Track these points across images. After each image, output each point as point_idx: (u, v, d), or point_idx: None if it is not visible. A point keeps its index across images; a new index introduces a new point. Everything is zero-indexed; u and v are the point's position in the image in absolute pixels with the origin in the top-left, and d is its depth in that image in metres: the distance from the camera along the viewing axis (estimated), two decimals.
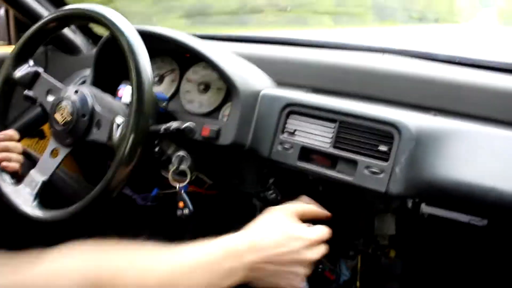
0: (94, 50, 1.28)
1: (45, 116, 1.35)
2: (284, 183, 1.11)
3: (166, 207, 1.10)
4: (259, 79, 1.02)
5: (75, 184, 1.12)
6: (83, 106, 0.86)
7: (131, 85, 0.80)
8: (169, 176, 1.01)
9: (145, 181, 1.15)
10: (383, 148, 0.82)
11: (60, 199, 0.90)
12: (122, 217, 1.42)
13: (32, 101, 0.96)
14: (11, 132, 0.93)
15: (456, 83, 0.96)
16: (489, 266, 1.21)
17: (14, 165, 0.90)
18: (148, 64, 0.81)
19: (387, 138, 0.82)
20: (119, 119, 0.83)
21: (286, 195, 1.11)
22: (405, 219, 1.17)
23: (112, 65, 1.14)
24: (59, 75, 1.39)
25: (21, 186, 0.87)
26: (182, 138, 0.84)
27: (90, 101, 0.87)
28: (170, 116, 1.04)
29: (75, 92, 0.88)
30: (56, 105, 0.88)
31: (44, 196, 0.86)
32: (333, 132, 0.87)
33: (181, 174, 1.00)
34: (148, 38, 0.87)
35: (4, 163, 0.89)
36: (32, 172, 0.88)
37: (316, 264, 0.90)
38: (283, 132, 0.93)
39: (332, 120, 0.88)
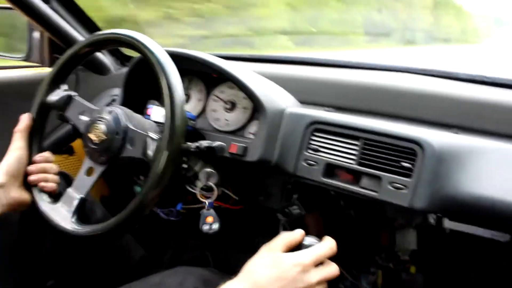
0: (123, 70, 1.33)
1: (76, 134, 1.41)
2: (307, 198, 1.13)
3: (190, 222, 1.12)
4: (284, 98, 1.06)
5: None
6: (116, 124, 0.89)
7: (164, 104, 0.83)
8: (197, 191, 1.04)
9: (169, 196, 1.18)
10: (406, 164, 0.84)
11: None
12: (146, 232, 1.45)
13: (66, 120, 1.00)
14: (47, 154, 0.97)
15: (477, 101, 0.98)
16: (511, 282, 1.21)
17: (52, 185, 0.94)
18: (180, 84, 0.85)
19: (410, 155, 0.84)
20: (153, 135, 0.86)
21: (309, 210, 1.14)
22: (426, 235, 1.18)
23: (140, 86, 1.18)
24: (89, 94, 1.45)
25: (59, 204, 0.91)
26: (211, 155, 0.87)
27: (123, 119, 0.90)
28: (198, 134, 1.08)
29: (109, 112, 0.91)
30: (90, 125, 0.91)
31: (81, 213, 0.90)
32: (358, 149, 0.90)
33: (207, 190, 1.03)
34: (177, 59, 0.90)
35: (42, 183, 0.93)
36: (69, 190, 0.92)
37: (337, 282, 0.90)
38: (308, 149, 0.96)
39: (356, 138, 0.91)
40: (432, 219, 1.00)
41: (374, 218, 1.25)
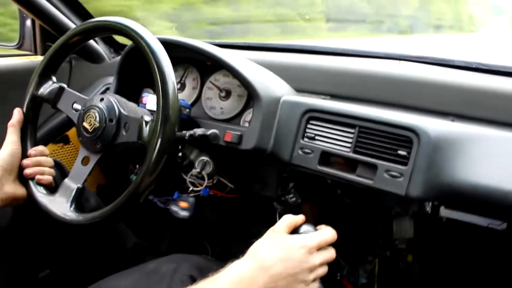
0: (117, 58, 1.32)
1: (70, 123, 1.40)
2: (303, 187, 1.13)
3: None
4: (279, 86, 1.05)
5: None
6: (109, 111, 0.88)
7: (157, 92, 0.82)
8: (187, 178, 1.04)
9: (165, 185, 1.18)
10: (402, 152, 0.84)
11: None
12: (143, 221, 1.45)
13: (59, 110, 0.99)
14: (42, 148, 0.96)
15: (473, 88, 0.97)
16: (508, 271, 1.21)
17: (48, 178, 0.94)
18: (171, 72, 0.84)
19: (406, 143, 0.84)
20: (147, 118, 0.85)
21: (305, 199, 1.14)
22: (423, 224, 1.18)
23: (134, 74, 1.17)
24: (83, 83, 1.44)
25: (57, 195, 0.91)
26: (206, 144, 0.86)
27: (116, 106, 0.89)
28: (193, 123, 1.07)
29: (101, 100, 0.90)
30: (83, 114, 0.91)
31: (78, 202, 0.89)
32: (353, 137, 0.89)
33: (202, 178, 1.03)
34: (170, 47, 0.90)
35: (38, 177, 0.92)
36: (66, 181, 0.91)
37: (335, 271, 0.90)
38: (303, 137, 0.95)
39: (352, 126, 0.90)
40: (428, 207, 1.00)
41: (371, 207, 1.25)
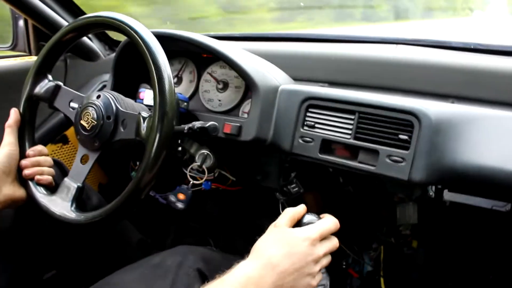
0: (112, 55, 1.31)
1: (69, 123, 1.39)
2: (305, 176, 1.12)
3: (191, 205, 1.12)
4: (277, 75, 1.04)
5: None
6: (107, 108, 0.87)
7: (153, 87, 0.81)
8: (187, 171, 1.04)
9: (167, 181, 1.17)
10: (403, 136, 0.83)
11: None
12: (147, 217, 1.45)
13: (56, 109, 0.98)
14: (40, 147, 0.95)
15: (472, 69, 0.96)
16: None
17: (47, 178, 0.93)
18: (167, 66, 0.82)
19: (407, 127, 0.83)
20: (145, 114, 0.84)
21: (308, 188, 1.13)
22: (427, 208, 1.18)
23: (130, 70, 1.16)
24: (79, 81, 1.43)
25: (57, 195, 0.90)
26: (205, 136, 0.85)
27: (113, 103, 0.88)
28: (192, 116, 1.06)
29: (97, 97, 0.89)
30: (80, 112, 0.90)
31: (79, 201, 0.89)
32: (354, 123, 0.88)
33: (203, 172, 1.03)
34: (164, 40, 0.89)
35: (38, 177, 0.92)
36: (66, 180, 0.91)
37: (340, 260, 0.90)
38: (303, 125, 0.95)
39: (352, 112, 0.89)
40: (431, 191, 1.00)
41: (374, 193, 1.25)
